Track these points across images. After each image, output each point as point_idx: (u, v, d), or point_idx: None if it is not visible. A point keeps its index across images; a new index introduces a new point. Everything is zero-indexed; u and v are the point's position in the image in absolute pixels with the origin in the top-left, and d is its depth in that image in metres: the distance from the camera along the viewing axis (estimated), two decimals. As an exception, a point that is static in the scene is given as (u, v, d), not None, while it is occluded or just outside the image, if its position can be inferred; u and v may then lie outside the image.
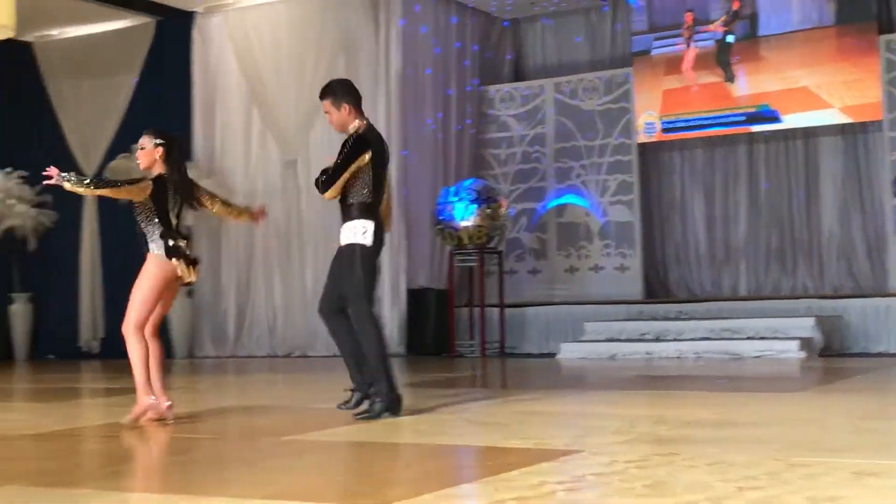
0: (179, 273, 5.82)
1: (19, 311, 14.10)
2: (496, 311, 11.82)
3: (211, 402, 7.37)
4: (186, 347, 13.01)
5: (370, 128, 6.03)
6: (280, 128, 12.62)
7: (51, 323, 14.16)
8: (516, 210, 12.83)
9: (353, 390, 5.88)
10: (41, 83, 14.19)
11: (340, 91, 6.00)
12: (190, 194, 5.98)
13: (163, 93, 13.53)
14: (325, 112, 6.06)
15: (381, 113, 12.12)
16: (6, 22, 11.26)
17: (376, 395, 5.73)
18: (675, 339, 10.50)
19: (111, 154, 13.45)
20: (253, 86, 12.76)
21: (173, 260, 5.79)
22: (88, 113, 13.89)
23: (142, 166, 5.95)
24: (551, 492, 3.50)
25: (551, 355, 10.95)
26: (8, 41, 13.03)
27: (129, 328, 5.82)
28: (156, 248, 5.81)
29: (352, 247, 5.86)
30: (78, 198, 13.80)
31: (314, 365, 11.18)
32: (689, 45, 12.24)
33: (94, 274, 13.82)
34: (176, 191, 5.88)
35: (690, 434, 4.94)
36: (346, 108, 5.95)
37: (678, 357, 10.12)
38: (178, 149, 6.02)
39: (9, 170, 13.93)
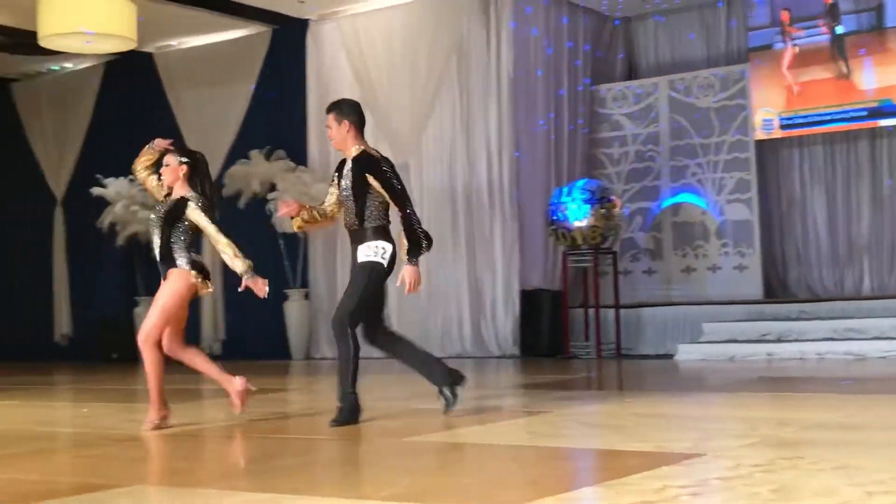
0: (198, 288, 6.00)
1: (142, 314, 14.51)
2: (611, 312, 11.70)
3: (328, 403, 7.46)
4: (304, 349, 13.21)
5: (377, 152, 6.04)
6: (393, 131, 12.72)
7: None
8: (630, 210, 12.69)
9: (440, 392, 5.97)
10: (162, 92, 14.58)
11: (346, 109, 6.05)
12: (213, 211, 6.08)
13: (278, 99, 13.78)
14: (327, 126, 6.09)
15: (493, 115, 12.14)
16: (128, 34, 11.65)
17: (342, 401, 5.80)
18: (796, 340, 10.24)
19: (229, 161, 13.75)
20: (365, 91, 12.88)
21: (194, 274, 5.98)
22: (207, 120, 14.22)
23: (165, 183, 6.09)
24: (675, 496, 3.44)
25: (668, 357, 10.79)
26: (130, 52, 13.48)
27: (149, 341, 5.97)
28: (184, 264, 5.97)
29: (369, 264, 5.94)
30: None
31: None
32: (788, 44, 11.96)
33: (214, 277, 14.11)
34: (205, 210, 6.00)
35: (815, 437, 4.81)
36: (346, 125, 5.97)
37: (800, 358, 9.87)
38: (203, 167, 6.13)
39: (132, 178, 14.35)
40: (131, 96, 14.97)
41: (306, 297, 13.29)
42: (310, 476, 4.26)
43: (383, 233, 5.97)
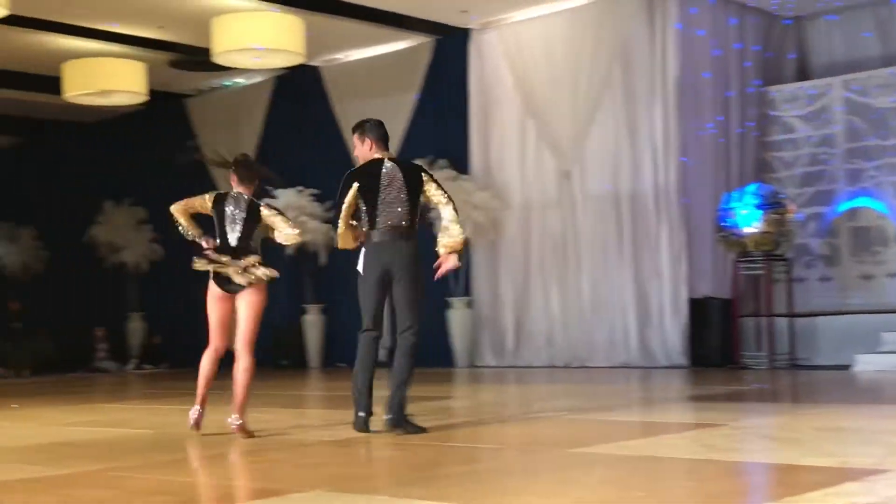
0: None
1: (312, 321, 14.88)
2: (784, 320, 11.31)
3: (492, 412, 7.44)
4: (467, 357, 13.26)
5: (370, 162, 6.29)
6: (555, 139, 12.64)
7: (341, 332, 14.82)
8: (805, 215, 12.23)
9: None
10: (328, 104, 14.91)
11: (368, 128, 6.46)
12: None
13: (440, 109, 13.89)
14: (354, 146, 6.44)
15: (658, 119, 11.91)
16: (296, 49, 11.95)
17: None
18: None
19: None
20: (527, 98, 12.86)
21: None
22: (372, 132, 14.43)
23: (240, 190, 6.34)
24: (862, 515, 3.27)
25: (845, 367, 10.34)
26: (298, 66, 13.84)
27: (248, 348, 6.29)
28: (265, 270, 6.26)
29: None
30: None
31: (593, 376, 11.10)
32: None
33: (381, 286, 14.32)
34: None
35: None
36: (368, 142, 6.36)
37: None
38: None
39: (301, 188, 14.73)
40: (299, 109, 15.36)
41: (469, 305, 13.33)
42: (479, 485, 4.24)
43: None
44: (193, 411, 6.22)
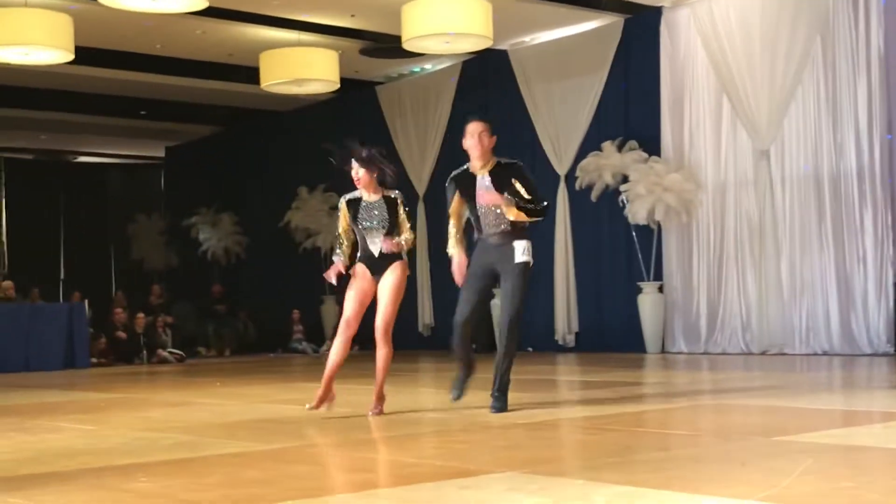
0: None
1: (498, 306, 14.91)
2: None
3: (686, 398, 7.27)
4: (658, 343, 13.03)
5: None
6: (752, 118, 12.23)
7: (529, 317, 14.80)
8: None
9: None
10: (516, 88, 14.89)
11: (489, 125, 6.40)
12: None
13: (630, 90, 13.66)
14: (480, 133, 6.37)
15: (863, 96, 11.37)
16: (484, 32, 11.98)
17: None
18: None
19: (581, 154, 13.81)
20: (722, 76, 12.49)
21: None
22: (560, 115, 14.35)
23: (362, 185, 6.53)
24: None
25: None
26: (485, 50, 13.87)
27: (390, 331, 6.48)
28: (404, 255, 6.35)
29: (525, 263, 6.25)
30: (552, 198, 14.34)
31: (792, 363, 10.71)
32: None
33: (568, 270, 14.25)
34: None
35: None
36: (493, 141, 6.35)
37: None
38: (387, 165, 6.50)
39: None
40: (487, 93, 15.41)
41: (660, 290, 13.09)
42: (677, 472, 4.13)
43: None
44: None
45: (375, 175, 6.47)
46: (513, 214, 6.16)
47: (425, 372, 11.70)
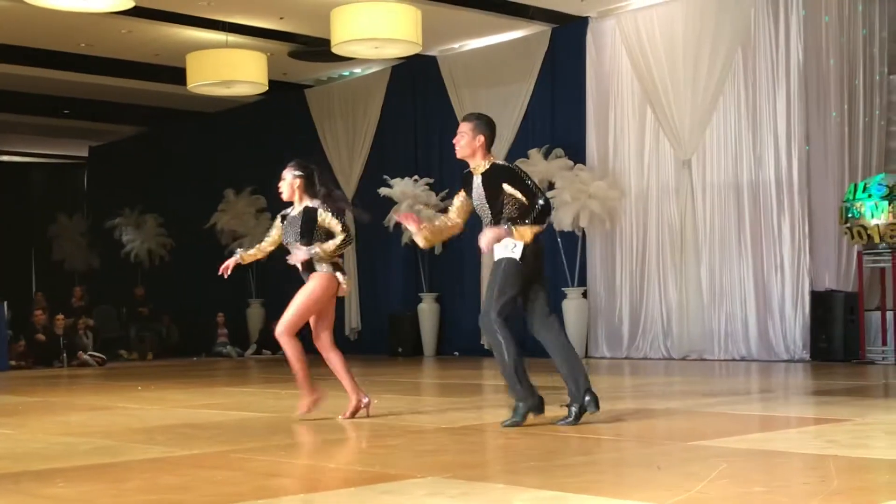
0: (344, 287, 6.43)
1: (426, 309, 14.97)
2: (911, 315, 10.93)
3: (607, 403, 7.38)
4: (582, 348, 13.17)
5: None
6: (674, 128, 12.44)
7: (456, 321, 14.89)
8: (934, 206, 11.78)
9: (575, 403, 5.99)
10: (445, 93, 14.95)
11: (483, 124, 6.05)
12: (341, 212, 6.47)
13: (557, 98, 13.81)
14: (461, 133, 6.08)
15: (782, 107, 11.64)
16: (413, 38, 12.01)
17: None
18: None
19: (509, 160, 13.79)
20: (646, 86, 12.68)
21: (339, 275, 6.39)
22: (487, 121, 14.42)
23: (285, 197, 6.49)
24: None
25: (977, 365, 9.95)
26: (414, 56, 13.91)
27: (286, 334, 6.38)
28: (323, 267, 6.35)
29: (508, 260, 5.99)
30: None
31: (711, 368, 10.92)
32: None
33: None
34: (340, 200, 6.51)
35: None
36: (480, 138, 6.01)
37: None
38: (317, 179, 6.45)
39: (416, 178, 14.83)
40: (416, 99, 15.46)
41: (584, 295, 13.24)
42: (596, 476, 4.20)
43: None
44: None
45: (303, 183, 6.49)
46: (523, 237, 5.96)
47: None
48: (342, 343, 15.94)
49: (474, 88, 14.59)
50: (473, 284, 14.47)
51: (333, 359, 6.49)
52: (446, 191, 14.85)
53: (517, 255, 5.94)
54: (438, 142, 15.16)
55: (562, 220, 12.87)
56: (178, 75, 14.09)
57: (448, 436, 5.58)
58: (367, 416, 6.41)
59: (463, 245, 14.67)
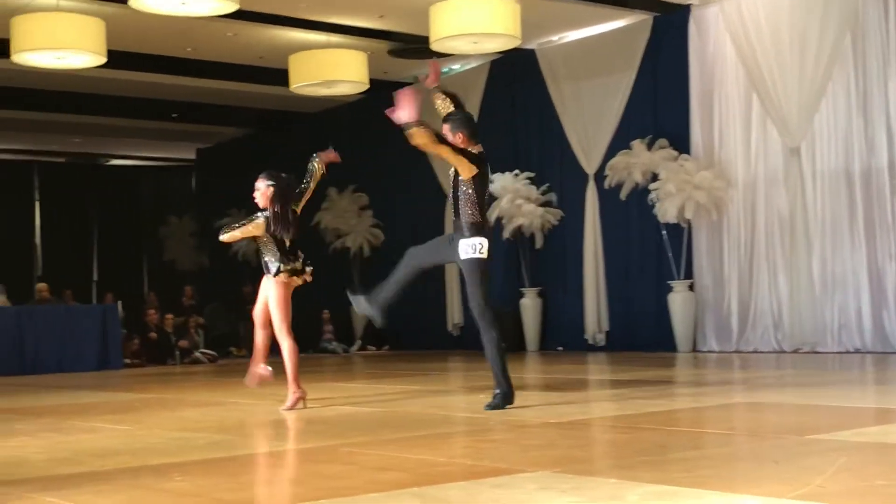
0: (291, 284, 7.28)
1: (529, 304, 14.92)
2: None
3: (717, 397, 7.25)
4: (689, 341, 12.98)
5: (481, 154, 6.68)
6: (782, 114, 12.16)
7: (558, 316, 14.82)
8: None
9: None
10: (544, 87, 14.88)
11: (458, 122, 6.69)
12: (295, 221, 7.28)
13: (659, 88, 13.62)
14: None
15: (893, 90, 11.28)
16: (512, 32, 11.98)
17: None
18: None
19: (610, 152, 13.78)
20: (752, 73, 12.42)
21: (281, 276, 7.20)
22: (588, 113, 14.33)
23: (261, 205, 7.26)
24: None
25: None
26: (514, 50, 13.87)
27: (282, 333, 7.23)
28: (273, 272, 7.19)
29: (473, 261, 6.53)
30: (581, 197, 14.32)
31: (824, 361, 10.64)
32: None
33: (598, 269, 14.23)
34: (283, 221, 7.15)
35: None
36: (459, 136, 6.59)
37: None
38: (284, 187, 7.28)
39: (516, 172, 14.79)
40: (515, 93, 15.41)
41: (691, 288, 13.04)
42: (710, 470, 4.12)
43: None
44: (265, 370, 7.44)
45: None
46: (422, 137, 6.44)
47: (455, 371, 11.72)
48: (445, 339, 16.09)
49: (574, 81, 14.48)
50: (577, 278, 14.38)
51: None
52: (547, 185, 14.78)
53: (484, 254, 6.54)
54: (538, 136, 15.10)
55: (666, 211, 12.70)
56: (281, 77, 14.30)
57: (555, 430, 5.54)
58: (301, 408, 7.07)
59: (566, 239, 14.61)
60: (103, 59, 12.02)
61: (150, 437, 5.88)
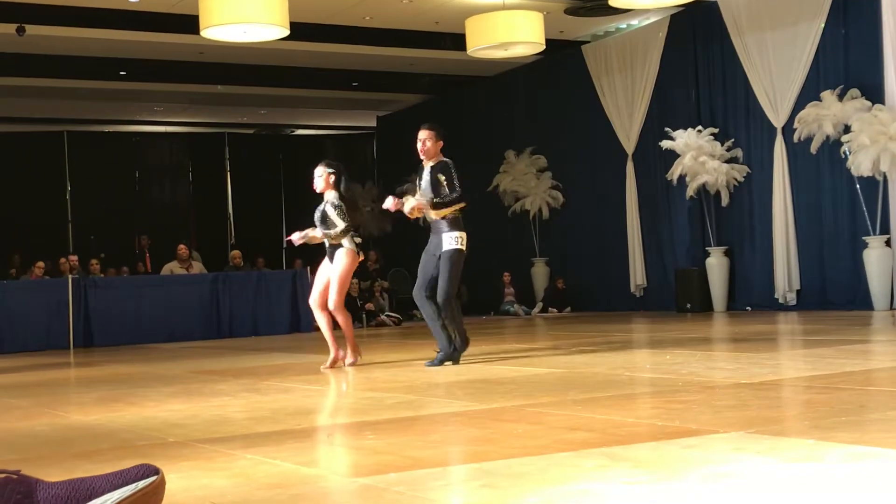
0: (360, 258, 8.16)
1: (715, 264, 14.59)
2: None
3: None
4: (886, 300, 12.43)
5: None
6: None
7: (747, 275, 14.44)
8: None
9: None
10: (728, 40, 14.44)
11: (441, 132, 7.94)
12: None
13: (850, 36, 13.01)
14: (423, 140, 7.99)
15: None
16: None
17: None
18: None
19: (799, 105, 13.28)
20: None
21: (360, 253, 8.12)
22: (775, 65, 13.83)
23: (318, 189, 8.32)
24: None
25: None
26: (694, 3, 13.50)
27: (337, 307, 7.99)
28: (348, 244, 8.04)
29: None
30: (768, 152, 13.87)
31: None
32: None
33: (787, 226, 13.77)
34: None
35: None
36: (440, 144, 7.92)
37: None
38: (344, 175, 8.29)
39: (700, 128, 14.43)
40: (696, 47, 15.02)
41: (887, 243, 12.47)
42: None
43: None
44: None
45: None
46: (435, 215, 7.82)
47: (639, 333, 11.59)
48: (628, 300, 15.92)
49: (759, 32, 13.99)
50: (765, 237, 13.98)
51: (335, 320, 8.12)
52: (731, 140, 14.38)
53: (463, 246, 7.73)
54: (722, 90, 14.69)
55: (860, 164, 12.17)
56: (458, 41, 14.37)
57: (748, 391, 5.40)
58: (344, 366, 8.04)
59: (754, 196, 14.19)
60: (286, 32, 12.34)
61: (342, 397, 6.05)
